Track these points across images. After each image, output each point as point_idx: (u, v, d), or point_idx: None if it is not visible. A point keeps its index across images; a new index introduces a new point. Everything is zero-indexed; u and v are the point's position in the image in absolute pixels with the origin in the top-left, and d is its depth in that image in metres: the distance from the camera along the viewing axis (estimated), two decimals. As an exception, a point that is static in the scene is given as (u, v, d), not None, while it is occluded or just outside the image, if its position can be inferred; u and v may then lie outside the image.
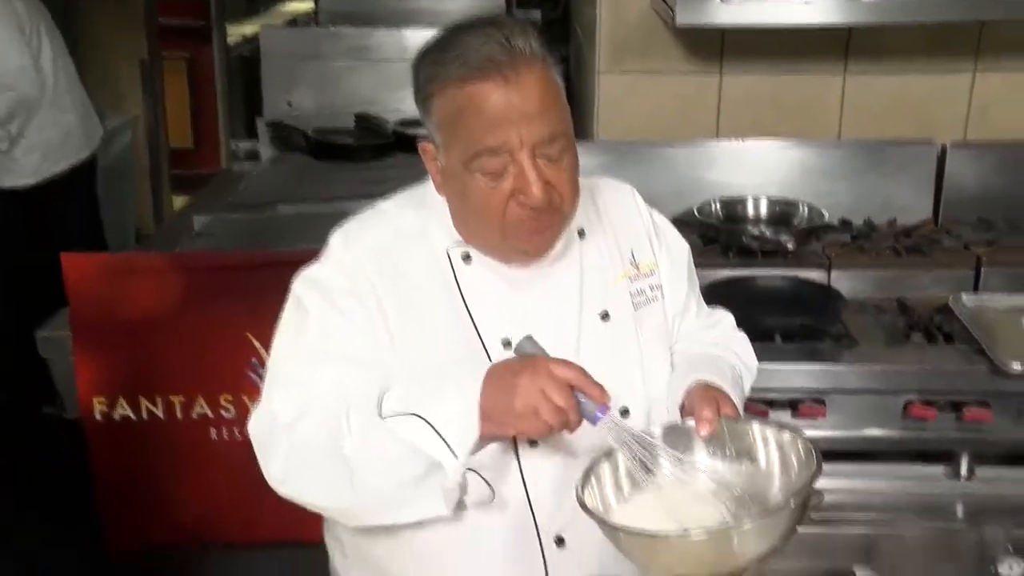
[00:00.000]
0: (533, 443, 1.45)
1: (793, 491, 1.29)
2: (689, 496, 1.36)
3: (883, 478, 2.37)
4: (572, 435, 1.36)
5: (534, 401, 1.28)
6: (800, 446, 1.36)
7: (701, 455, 1.42)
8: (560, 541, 1.50)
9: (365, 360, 1.43)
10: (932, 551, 2.34)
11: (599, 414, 1.31)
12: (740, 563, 1.25)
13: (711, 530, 1.23)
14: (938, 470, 2.38)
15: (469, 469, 1.36)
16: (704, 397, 1.45)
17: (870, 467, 2.39)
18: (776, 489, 1.36)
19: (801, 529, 1.28)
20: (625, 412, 1.49)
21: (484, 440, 1.35)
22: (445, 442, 1.32)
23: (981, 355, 2.30)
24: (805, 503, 1.27)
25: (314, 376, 1.43)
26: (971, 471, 2.35)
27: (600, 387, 1.31)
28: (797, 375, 2.31)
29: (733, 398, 1.48)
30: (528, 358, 1.35)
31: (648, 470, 1.37)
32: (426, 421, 1.34)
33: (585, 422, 1.32)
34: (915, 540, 2.34)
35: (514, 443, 1.44)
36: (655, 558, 1.27)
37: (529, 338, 1.39)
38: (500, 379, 1.32)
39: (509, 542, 1.48)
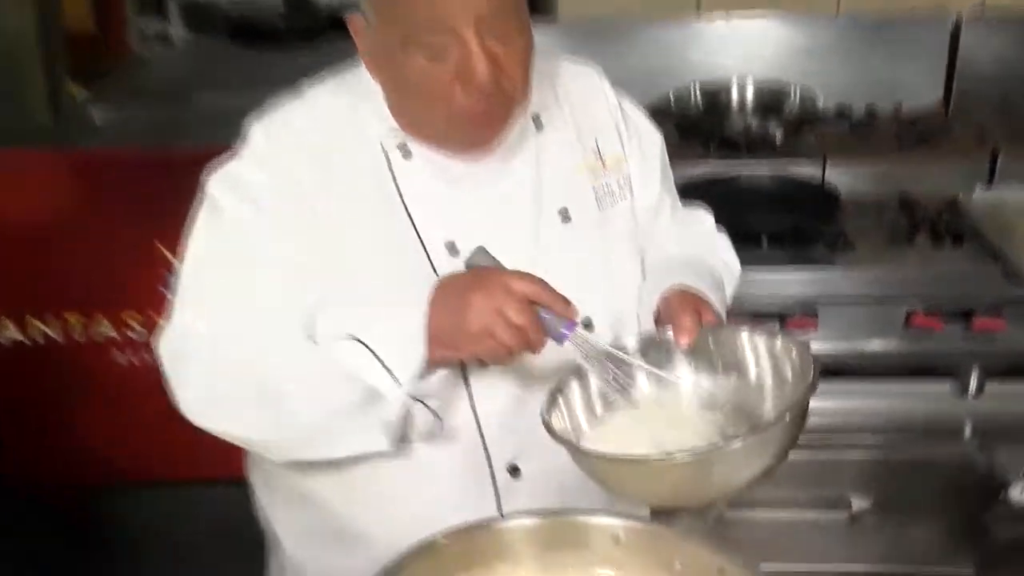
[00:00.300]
0: (484, 363, 1.45)
1: (788, 405, 1.29)
2: (670, 416, 1.37)
3: (882, 397, 2.42)
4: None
5: (489, 321, 1.28)
6: (795, 355, 1.36)
7: (682, 369, 1.42)
8: (514, 471, 1.51)
9: (291, 268, 1.41)
10: (937, 477, 2.39)
11: (565, 331, 1.30)
12: (727, 488, 1.26)
13: (696, 452, 1.22)
14: (944, 387, 2.43)
15: (414, 398, 1.36)
16: (682, 303, 1.45)
17: (868, 385, 2.42)
18: (769, 405, 1.36)
19: (792, 455, 1.28)
20: (588, 324, 1.49)
21: (432, 366, 1.34)
22: (386, 368, 1.32)
23: (993, 258, 2.32)
24: (802, 419, 1.28)
25: (232, 287, 1.41)
26: (980, 387, 2.40)
27: (565, 300, 1.31)
28: (786, 283, 2.33)
29: (715, 304, 1.49)
30: (481, 271, 1.35)
31: (623, 390, 1.38)
32: (364, 344, 1.33)
33: (550, 342, 1.32)
34: (918, 465, 2.39)
35: (462, 363, 1.44)
36: (633, 485, 1.28)
37: (481, 250, 1.38)
38: (450, 296, 1.32)
39: (456, 474, 1.49)
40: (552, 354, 1.34)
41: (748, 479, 1.25)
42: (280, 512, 1.64)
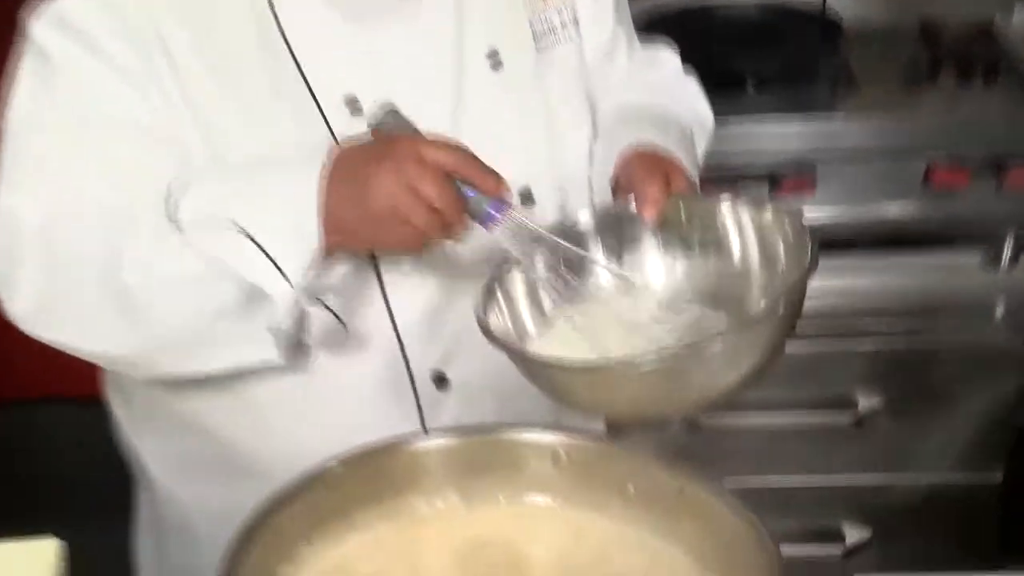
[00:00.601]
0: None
1: (780, 293, 1.28)
2: (635, 310, 1.37)
3: (895, 273, 2.43)
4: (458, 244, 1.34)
5: (398, 201, 1.25)
6: (788, 227, 1.34)
7: (649, 251, 1.42)
8: (440, 380, 1.51)
9: (145, 134, 1.38)
10: (960, 368, 2.43)
11: (493, 211, 1.27)
12: (705, 397, 1.25)
13: (666, 354, 1.22)
14: (971, 258, 2.44)
15: (308, 298, 1.33)
16: (646, 166, 1.44)
17: (877, 259, 2.45)
18: (756, 291, 1.36)
19: (788, 347, 1.27)
20: (528, 197, 1.48)
21: (330, 257, 1.32)
22: (271, 260, 1.29)
23: (1034, 96, 2.34)
24: (797, 309, 1.26)
25: (69, 160, 1.38)
26: (1015, 258, 2.42)
27: (495, 175, 1.28)
28: (777, 137, 2.33)
29: (685, 165, 1.47)
30: (388, 138, 1.31)
31: (572, 282, 1.37)
32: (243, 231, 1.30)
33: (476, 226, 1.29)
34: (937, 355, 2.43)
35: (373, 254, 1.43)
36: (591, 396, 1.27)
37: (389, 108, 1.34)
38: (350, 170, 1.28)
39: (370, 388, 1.49)
40: (485, 240, 1.32)
41: (730, 385, 1.24)
42: (149, 441, 1.63)
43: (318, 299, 1.35)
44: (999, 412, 2.43)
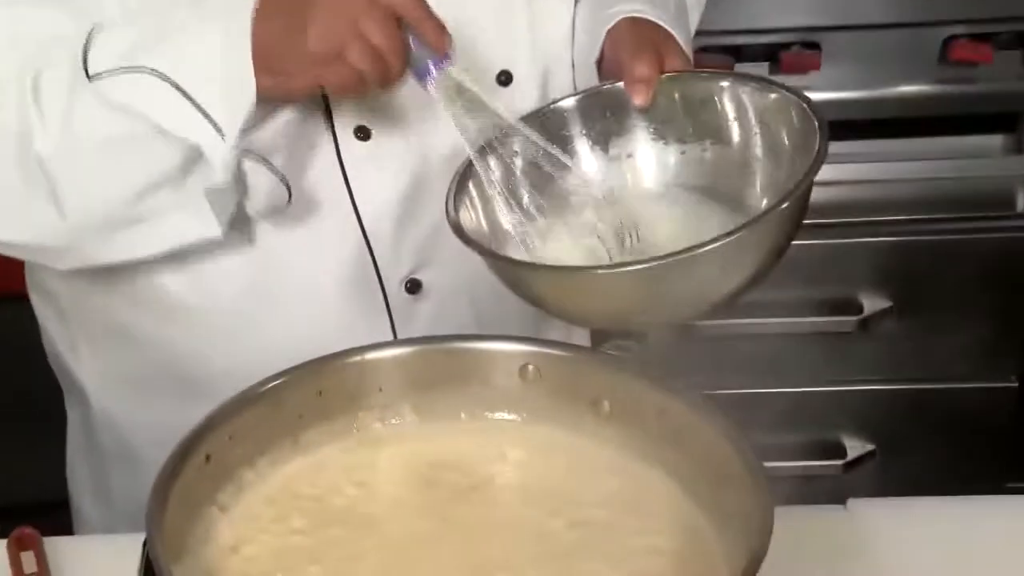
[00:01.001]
0: (363, 132, 1.43)
1: (786, 188, 1.26)
2: (624, 205, 1.36)
3: (907, 159, 2.44)
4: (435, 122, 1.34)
5: (342, 38, 1.24)
6: (794, 113, 1.33)
7: (638, 138, 1.40)
8: (413, 286, 1.51)
9: None
10: (976, 264, 2.45)
11: (432, 66, 1.27)
12: (701, 303, 1.25)
13: (658, 257, 1.19)
14: (994, 141, 2.47)
15: (247, 152, 1.32)
16: (636, 42, 1.41)
17: (888, 144, 2.46)
18: (759, 185, 1.35)
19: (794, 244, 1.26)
20: (506, 79, 1.46)
21: (263, 103, 1.29)
22: (200, 110, 1.27)
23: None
24: (803, 205, 1.25)
25: None
26: (1043, 142, 2.42)
27: (440, 25, 1.27)
28: (777, 7, 2.32)
29: (679, 41, 1.45)
30: None
31: (552, 173, 1.36)
32: (164, 77, 1.28)
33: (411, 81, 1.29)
34: (952, 249, 2.44)
35: (332, 131, 1.42)
36: (575, 303, 1.27)
37: None
38: (283, 1, 1.27)
39: (334, 294, 1.49)
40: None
41: (730, 291, 1.23)
42: (81, 350, 1.63)
43: (258, 155, 1.34)
44: (1017, 313, 2.45)
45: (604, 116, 1.41)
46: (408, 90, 1.33)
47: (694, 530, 1.18)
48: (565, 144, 1.38)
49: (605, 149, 1.40)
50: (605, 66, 1.46)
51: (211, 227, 1.36)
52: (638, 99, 1.38)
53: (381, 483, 1.30)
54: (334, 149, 1.44)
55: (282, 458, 1.27)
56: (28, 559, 1.34)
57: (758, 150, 1.36)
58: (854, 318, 2.44)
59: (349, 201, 1.45)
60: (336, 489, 1.26)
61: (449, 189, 1.33)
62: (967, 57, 2.34)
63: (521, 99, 1.45)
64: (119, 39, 1.33)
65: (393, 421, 1.33)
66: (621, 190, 1.38)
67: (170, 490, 1.13)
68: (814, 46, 2.33)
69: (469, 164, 1.35)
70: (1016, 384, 2.49)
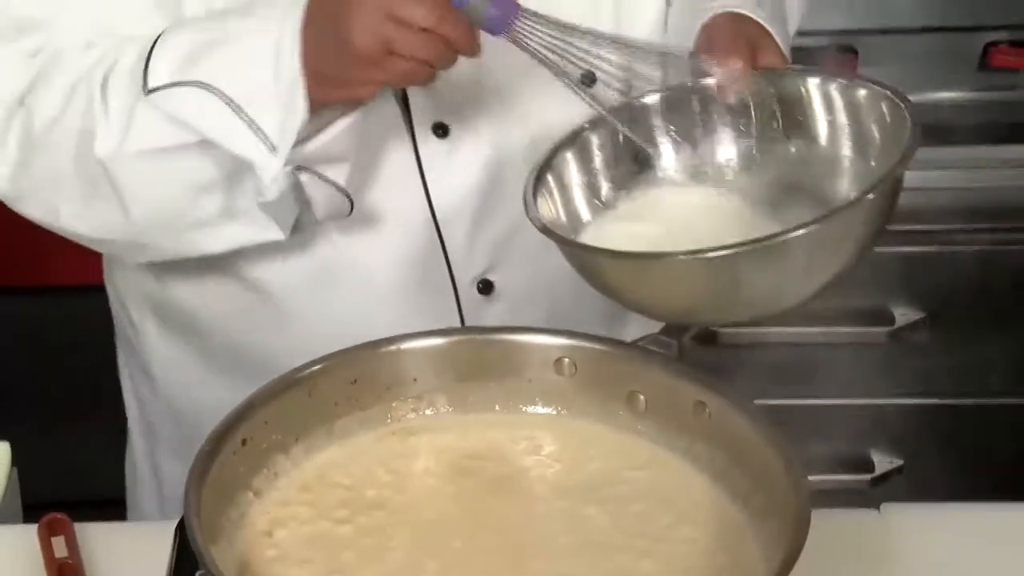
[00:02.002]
0: (442, 130, 1.44)
1: (875, 180, 1.25)
2: (707, 198, 1.38)
3: (944, 168, 2.42)
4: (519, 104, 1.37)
5: (383, 34, 1.22)
6: (885, 108, 1.32)
7: (725, 133, 1.41)
8: (486, 286, 1.53)
9: None
10: (1013, 276, 2.45)
11: (497, 11, 1.23)
12: (782, 298, 1.26)
13: (740, 245, 1.19)
14: (1034, 151, 2.44)
15: (301, 169, 1.32)
16: (731, 38, 1.39)
17: (925, 152, 2.22)
18: (846, 180, 1.36)
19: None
20: (591, 81, 1.40)
21: (316, 115, 1.29)
22: (252, 124, 1.30)
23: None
24: (892, 200, 1.25)
25: (46, 16, 1.39)
26: (1086, 151, 2.41)
27: None
28: (812, 10, 2.26)
29: (776, 38, 1.43)
30: None
31: (633, 164, 1.37)
32: (214, 91, 1.30)
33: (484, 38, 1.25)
34: (989, 261, 2.44)
35: (411, 129, 1.44)
36: (652, 294, 1.28)
37: None
38: (322, 16, 1.27)
39: (403, 291, 1.51)
40: (561, 108, 1.34)
41: (811, 286, 1.25)
42: (150, 336, 1.66)
43: (312, 171, 1.34)
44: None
45: (691, 111, 1.41)
46: (485, 84, 1.35)
47: (730, 523, 1.20)
48: (650, 137, 1.39)
49: (692, 144, 1.40)
50: (697, 61, 1.43)
51: (272, 232, 1.38)
52: (727, 94, 1.37)
53: (414, 472, 1.31)
54: (412, 147, 1.45)
55: (317, 445, 1.29)
56: (59, 544, 1.35)
57: (847, 147, 1.36)
58: (886, 329, 2.45)
59: (424, 198, 1.47)
60: (369, 477, 1.28)
61: (528, 180, 1.33)
62: (1007, 64, 2.35)
63: (604, 95, 1.41)
64: (174, 48, 1.34)
65: (427, 412, 1.34)
66: (708, 178, 1.40)
67: (208, 471, 1.16)
68: (851, 50, 2.34)
69: (548, 156, 1.36)
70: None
